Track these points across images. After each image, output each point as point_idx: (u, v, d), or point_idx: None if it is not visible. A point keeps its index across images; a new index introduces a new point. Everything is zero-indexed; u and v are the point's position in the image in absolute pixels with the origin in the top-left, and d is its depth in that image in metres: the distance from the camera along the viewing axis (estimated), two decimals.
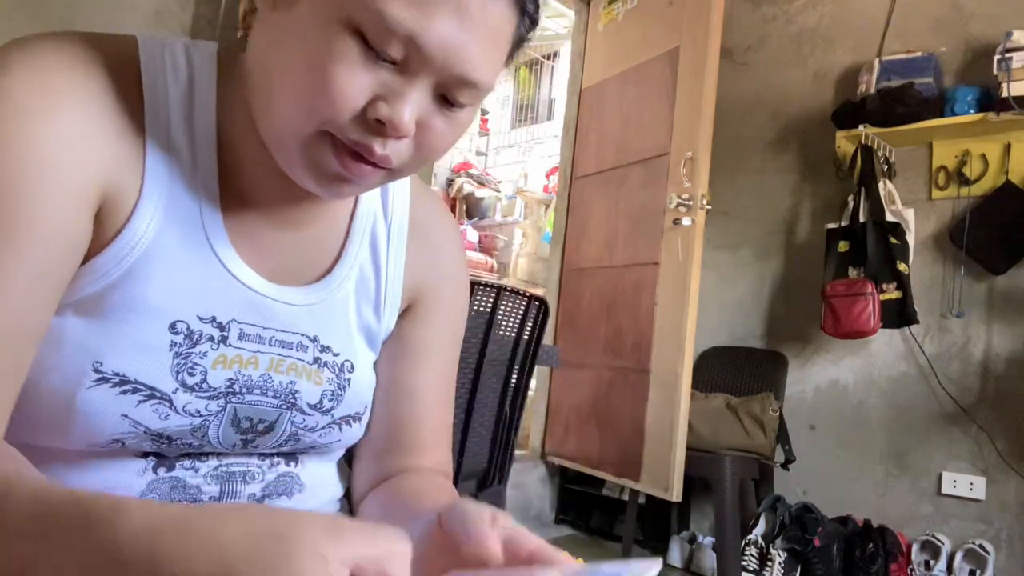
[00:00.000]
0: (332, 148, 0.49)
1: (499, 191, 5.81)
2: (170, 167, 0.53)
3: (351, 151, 0.49)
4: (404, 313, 0.68)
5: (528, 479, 3.15)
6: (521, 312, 1.47)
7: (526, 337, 1.49)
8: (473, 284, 1.23)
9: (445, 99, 0.50)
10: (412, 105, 0.48)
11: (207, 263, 0.55)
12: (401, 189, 0.68)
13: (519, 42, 0.53)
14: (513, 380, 1.51)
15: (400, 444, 0.67)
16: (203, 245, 0.54)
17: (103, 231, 0.51)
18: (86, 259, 0.50)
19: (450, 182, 5.92)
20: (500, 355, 1.48)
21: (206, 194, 0.54)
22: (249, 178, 0.56)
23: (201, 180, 0.54)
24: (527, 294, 1.48)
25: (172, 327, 0.53)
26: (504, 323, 1.46)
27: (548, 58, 7.71)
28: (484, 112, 6.97)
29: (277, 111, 0.50)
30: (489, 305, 1.41)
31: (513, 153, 7.45)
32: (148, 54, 0.53)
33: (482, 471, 1.51)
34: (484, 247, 5.59)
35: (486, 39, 0.48)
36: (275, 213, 0.58)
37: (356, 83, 0.47)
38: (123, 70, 0.52)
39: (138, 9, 2.28)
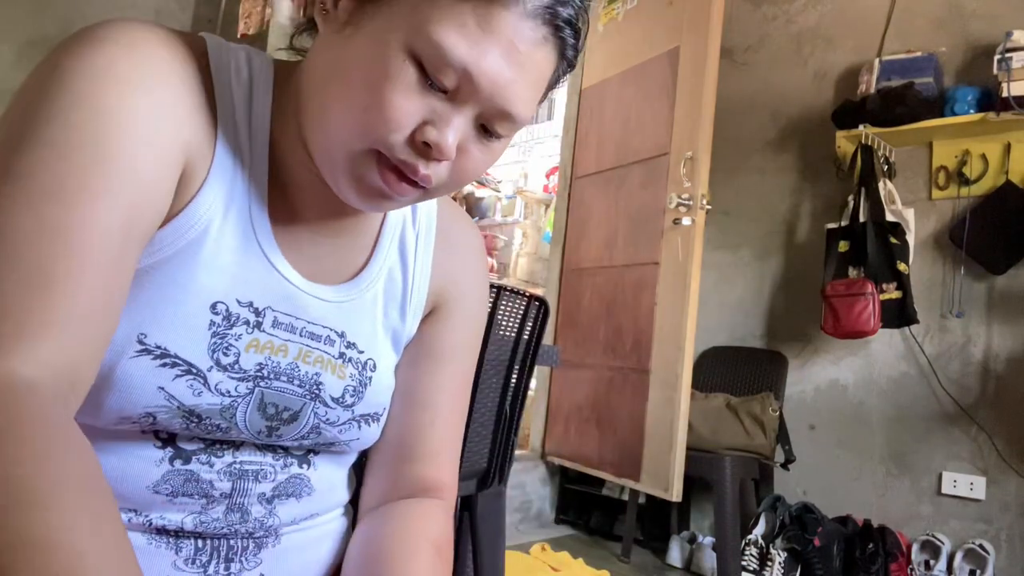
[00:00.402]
0: (377, 165, 0.53)
1: (499, 191, 5.81)
2: (234, 158, 0.57)
3: (395, 169, 0.53)
4: (426, 317, 0.71)
5: (528, 479, 3.15)
6: (521, 312, 1.47)
7: (526, 337, 1.49)
8: None
9: (484, 129, 0.55)
10: (456, 131, 0.52)
11: (251, 252, 0.58)
12: None
13: (554, 83, 0.58)
14: (513, 380, 1.51)
15: (412, 451, 0.69)
16: (250, 236, 0.58)
17: (179, 197, 0.54)
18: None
19: None
20: (500, 355, 1.48)
21: (257, 192, 0.58)
22: (294, 186, 0.60)
23: (255, 178, 0.58)
24: (527, 294, 1.48)
25: (213, 307, 0.55)
26: (504, 323, 1.46)
27: None
28: None
29: (331, 124, 0.53)
30: (489, 305, 1.41)
31: (513, 153, 7.45)
32: (216, 52, 0.57)
33: (482, 471, 1.50)
34: (481, 236, 5.56)
35: (529, 78, 0.53)
36: (315, 221, 0.62)
37: (410, 107, 0.51)
38: (198, 61, 0.55)
39: (138, 9, 2.28)
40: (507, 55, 0.51)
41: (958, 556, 2.45)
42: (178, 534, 0.58)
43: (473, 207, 5.69)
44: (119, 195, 0.48)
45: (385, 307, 0.67)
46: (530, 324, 1.49)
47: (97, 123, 0.47)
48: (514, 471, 2.92)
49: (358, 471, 0.74)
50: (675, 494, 2.52)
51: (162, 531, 0.57)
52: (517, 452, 2.79)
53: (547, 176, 5.73)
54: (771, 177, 3.18)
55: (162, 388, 0.53)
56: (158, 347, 0.52)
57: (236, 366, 0.57)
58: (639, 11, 3.11)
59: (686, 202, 2.63)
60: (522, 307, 1.47)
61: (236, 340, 0.57)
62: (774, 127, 3.21)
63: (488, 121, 0.54)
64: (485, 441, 1.49)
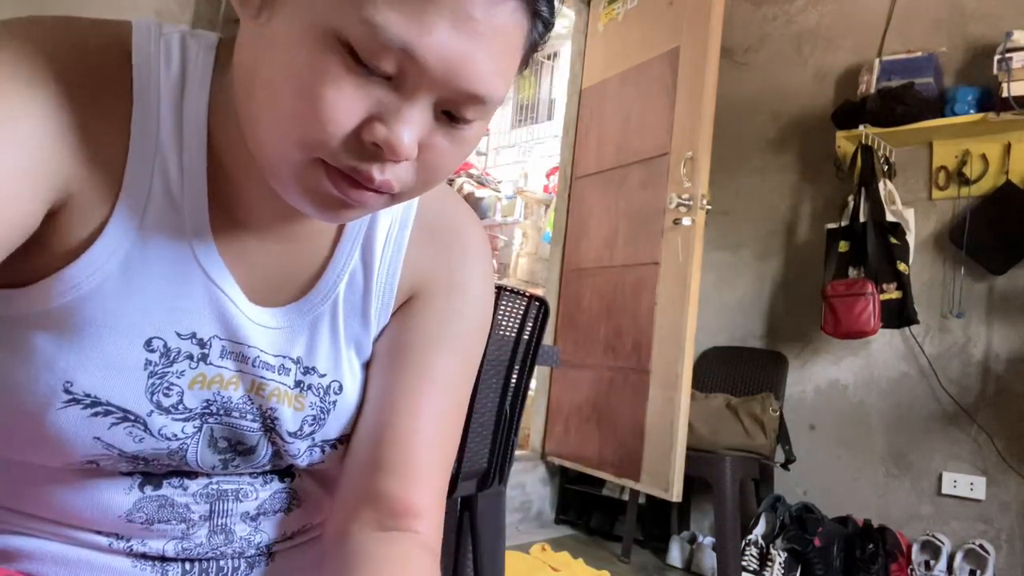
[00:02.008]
0: (327, 175, 0.45)
1: (499, 191, 5.81)
2: (154, 170, 0.49)
3: (348, 177, 0.45)
4: (401, 308, 0.61)
5: (528, 479, 3.15)
6: (521, 312, 1.47)
7: (526, 337, 1.49)
8: None
9: (449, 116, 0.45)
10: (412, 126, 0.43)
11: (191, 276, 0.51)
12: None
13: (532, 48, 0.47)
14: (513, 380, 1.51)
15: (378, 459, 0.57)
16: (187, 255, 0.50)
17: (72, 238, 0.47)
18: (55, 270, 0.47)
19: (450, 182, 5.93)
20: (500, 355, 1.48)
21: (193, 199, 0.50)
22: (238, 190, 0.52)
23: (188, 184, 0.50)
24: (527, 294, 1.48)
25: (148, 344, 0.49)
26: (504, 323, 1.46)
27: (548, 58, 7.71)
28: None
29: (264, 136, 0.45)
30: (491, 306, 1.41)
31: (513, 153, 7.45)
32: (141, 41, 0.49)
33: (482, 471, 1.50)
34: (480, 229, 5.55)
35: (492, 48, 0.42)
36: (265, 228, 0.54)
37: (346, 104, 0.42)
38: (112, 58, 0.48)
39: (138, 9, 2.28)
40: (457, 25, 0.40)
41: (958, 556, 2.44)
42: (163, 559, 0.55)
43: (473, 207, 5.69)
44: None
45: (346, 317, 0.58)
46: (530, 324, 1.49)
47: None
48: (514, 471, 2.92)
49: None
50: (675, 494, 2.52)
51: (146, 556, 0.54)
52: (517, 452, 2.79)
53: (547, 176, 5.73)
54: (771, 177, 3.18)
55: (98, 438, 0.48)
56: (87, 395, 0.47)
57: (180, 406, 0.51)
58: (639, 11, 3.11)
59: (686, 202, 2.63)
60: (522, 307, 1.47)
61: (178, 378, 0.51)
62: (774, 127, 3.21)
63: (452, 106, 0.44)
64: (485, 441, 1.49)
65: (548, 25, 0.46)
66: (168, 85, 0.49)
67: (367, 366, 0.61)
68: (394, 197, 0.48)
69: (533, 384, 2.59)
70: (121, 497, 0.52)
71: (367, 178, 0.44)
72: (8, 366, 0.47)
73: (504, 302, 1.44)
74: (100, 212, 0.47)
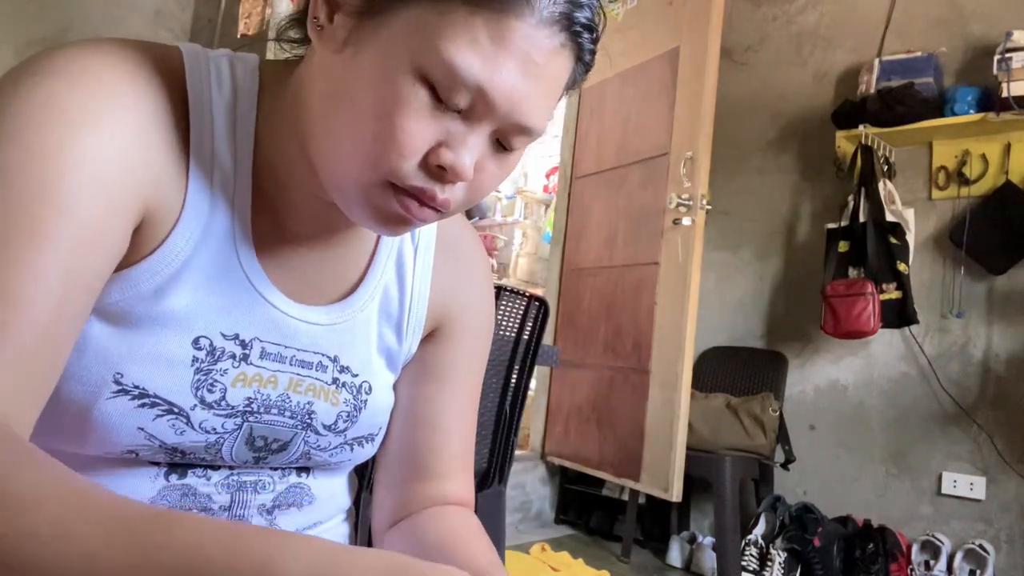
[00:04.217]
0: (394, 194, 0.50)
1: (499, 191, 5.80)
2: (212, 182, 0.53)
3: (414, 197, 0.50)
4: (429, 336, 0.68)
5: (528, 479, 3.15)
6: (521, 312, 1.47)
7: (526, 337, 1.49)
8: None
9: (499, 143, 0.51)
10: (473, 151, 0.49)
11: (235, 282, 0.55)
12: None
13: (571, 86, 0.54)
14: (513, 380, 1.51)
15: (421, 471, 0.67)
16: (233, 264, 0.54)
17: (143, 244, 0.51)
18: (120, 268, 0.50)
19: None
20: (500, 355, 1.48)
21: (240, 214, 0.54)
22: (284, 202, 0.56)
23: (238, 200, 0.54)
24: (527, 294, 1.48)
25: (196, 342, 0.53)
26: (504, 323, 1.46)
27: None
28: None
29: (341, 157, 0.50)
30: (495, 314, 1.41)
31: None
32: (193, 65, 0.53)
33: (482, 471, 1.50)
34: (484, 247, 5.56)
35: (545, 89, 0.49)
36: (306, 237, 0.58)
37: (424, 131, 0.47)
38: (168, 81, 0.51)
39: (138, 9, 2.28)
40: (523, 68, 0.47)
41: (958, 556, 2.44)
42: None
43: (473, 207, 5.69)
44: (59, 241, 0.44)
45: (380, 327, 0.64)
46: (530, 324, 1.49)
47: (35, 164, 0.44)
48: (514, 471, 2.92)
49: (358, 471, 0.73)
50: (675, 494, 2.52)
51: None
52: (517, 452, 2.79)
53: (547, 176, 5.73)
54: (771, 177, 3.18)
55: (142, 428, 0.51)
56: (136, 387, 0.50)
57: (223, 403, 0.54)
58: (639, 11, 3.11)
59: (686, 202, 2.63)
60: (522, 307, 1.47)
61: (222, 375, 0.54)
62: (774, 127, 3.21)
63: (504, 136, 0.51)
64: (485, 441, 1.49)
65: (588, 68, 0.54)
66: (221, 104, 0.53)
67: (395, 385, 0.68)
68: (445, 213, 0.53)
69: (533, 384, 2.59)
70: (147, 484, 0.54)
71: (431, 197, 0.50)
72: None
73: (504, 302, 1.44)
74: (168, 221, 0.51)
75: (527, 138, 0.52)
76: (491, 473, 1.51)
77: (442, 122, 0.48)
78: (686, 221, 2.63)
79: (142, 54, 0.50)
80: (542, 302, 1.50)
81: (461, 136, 0.48)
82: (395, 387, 0.67)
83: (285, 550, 0.35)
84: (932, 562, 2.46)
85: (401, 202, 0.50)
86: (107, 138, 0.46)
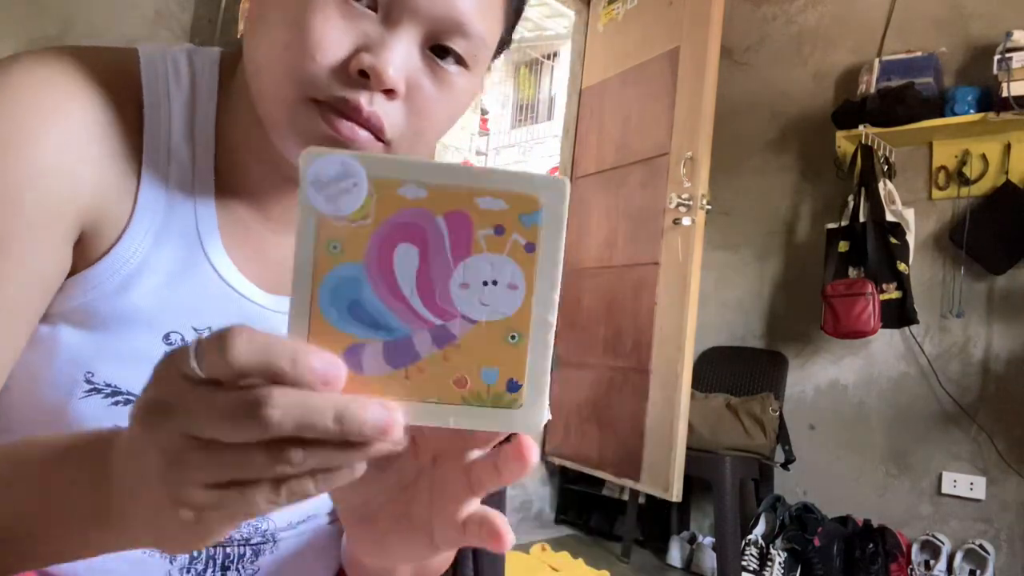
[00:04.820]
0: (319, 112, 0.46)
1: None
2: (168, 179, 0.52)
3: (338, 110, 0.46)
4: None
5: (528, 479, 3.15)
6: None
7: None
8: None
9: (435, 56, 0.47)
10: (397, 55, 0.45)
11: (203, 275, 0.53)
12: None
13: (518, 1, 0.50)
14: None
15: None
16: (199, 257, 0.53)
17: (94, 247, 0.50)
18: (77, 271, 0.50)
19: None
20: None
21: (202, 202, 0.53)
22: (247, 178, 0.55)
23: (198, 184, 0.53)
24: None
25: (166, 338, 0.52)
26: None
27: (548, 58, 7.71)
28: (484, 112, 6.97)
29: (264, 81, 0.48)
30: None
31: (513, 153, 7.45)
32: (149, 64, 0.52)
33: None
34: None
35: None
36: (274, 216, 0.57)
37: (333, 33, 0.45)
38: (122, 84, 0.51)
39: (138, 9, 2.28)
40: None
41: (958, 556, 2.45)
42: None
43: None
44: None
45: None
46: None
47: None
48: None
49: None
50: (675, 494, 2.52)
51: None
52: None
53: None
54: (771, 177, 3.18)
55: (117, 427, 0.51)
56: (108, 385, 0.50)
57: None
58: (639, 11, 3.11)
59: (686, 202, 2.63)
60: None
61: None
62: (774, 127, 3.21)
63: (437, 40, 0.47)
64: None
65: None
66: (179, 98, 0.53)
67: None
68: (388, 146, 0.49)
69: None
70: None
71: (355, 108, 0.45)
72: (32, 361, 0.49)
73: None
74: (117, 225, 0.50)
75: (465, 42, 0.47)
76: None
77: (358, 24, 0.45)
78: (686, 221, 2.63)
79: (91, 64, 0.49)
80: None
81: (380, 38, 0.45)
82: None
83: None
84: (932, 562, 2.46)
85: (326, 119, 0.46)
86: (38, 159, 0.45)
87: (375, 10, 0.45)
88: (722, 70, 2.75)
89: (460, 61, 0.48)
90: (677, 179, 2.70)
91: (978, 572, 2.40)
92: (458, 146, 6.17)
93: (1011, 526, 2.46)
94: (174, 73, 0.53)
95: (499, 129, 7.70)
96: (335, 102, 0.46)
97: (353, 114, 0.46)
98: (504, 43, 0.54)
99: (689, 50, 2.75)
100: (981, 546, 2.42)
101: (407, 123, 0.48)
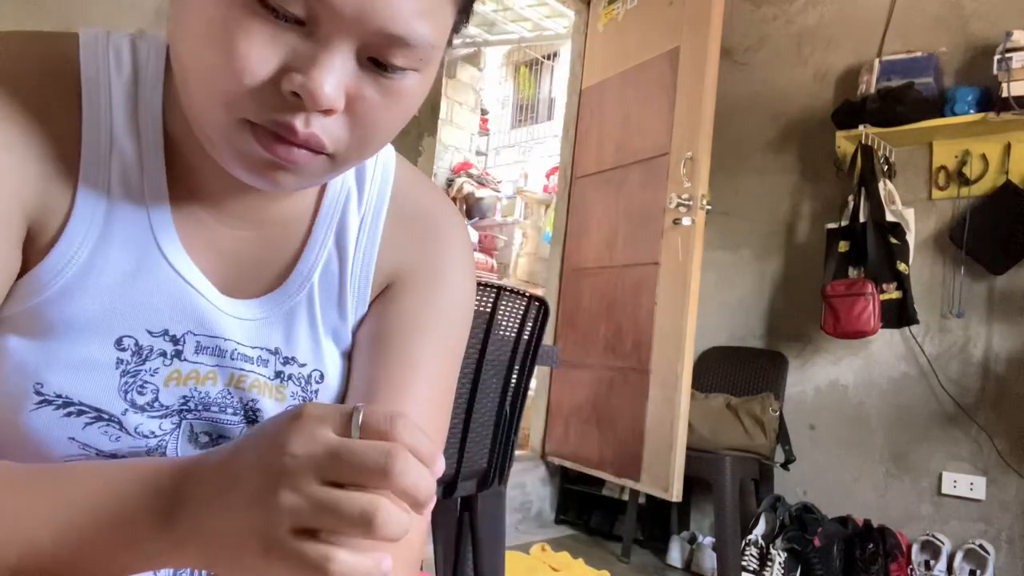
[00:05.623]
0: (253, 134, 0.43)
1: (499, 191, 5.81)
2: (111, 174, 0.49)
3: (273, 133, 0.42)
4: (379, 297, 0.60)
5: (528, 479, 3.15)
6: (521, 312, 1.47)
7: (526, 337, 1.49)
8: None
9: (377, 63, 0.42)
10: (331, 72, 0.40)
11: (158, 273, 0.50)
12: (384, 164, 0.61)
13: None
14: (513, 380, 1.51)
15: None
16: (153, 253, 0.50)
17: (33, 248, 0.47)
18: (20, 275, 0.48)
19: (450, 182, 5.93)
20: (500, 355, 1.48)
21: (154, 198, 0.50)
22: (199, 176, 0.51)
23: (148, 183, 0.50)
24: (527, 294, 1.48)
25: (118, 343, 0.49)
26: (504, 323, 1.46)
27: (548, 58, 7.71)
28: (484, 112, 6.97)
29: (193, 97, 0.44)
30: (489, 305, 1.41)
31: (513, 153, 7.46)
32: (89, 52, 0.49)
33: (482, 471, 1.50)
34: (484, 247, 5.60)
35: None
36: (230, 212, 0.53)
37: (258, 51, 0.40)
38: (60, 72, 0.48)
39: (138, 9, 2.28)
40: None
41: (958, 556, 2.45)
42: None
43: (473, 207, 5.69)
44: None
45: (322, 307, 0.57)
46: (530, 324, 1.49)
47: None
48: (514, 471, 2.92)
49: None
50: (675, 494, 2.52)
51: None
52: (517, 452, 2.79)
53: (547, 176, 5.74)
54: (771, 177, 3.18)
55: (73, 438, 0.48)
56: (58, 396, 0.47)
57: (155, 404, 0.50)
58: (639, 11, 3.11)
59: (686, 202, 2.63)
60: (522, 307, 1.47)
61: (151, 376, 0.50)
62: (774, 127, 3.21)
63: (376, 52, 0.42)
64: (485, 441, 1.49)
65: None
66: (120, 87, 0.49)
67: (348, 356, 0.60)
68: (334, 160, 0.45)
69: (533, 384, 2.59)
70: None
71: (289, 130, 0.42)
72: None
73: (504, 302, 1.44)
74: (59, 218, 0.47)
75: (406, 51, 0.42)
76: (491, 473, 1.51)
77: (284, 40, 0.40)
78: (686, 221, 2.63)
79: (25, 52, 0.47)
80: (542, 302, 1.50)
81: (310, 55, 0.40)
82: (350, 357, 0.61)
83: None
84: (932, 562, 2.46)
85: (261, 142, 0.43)
86: None
87: (303, 24, 0.40)
88: (722, 70, 2.75)
89: (407, 67, 0.43)
90: (677, 179, 2.70)
91: (978, 572, 2.40)
92: (458, 146, 6.17)
93: (1011, 526, 2.46)
94: (116, 61, 0.49)
95: (499, 129, 7.70)
96: (269, 124, 0.42)
97: (289, 136, 0.42)
98: (460, 23, 0.48)
99: (689, 50, 2.75)
100: (981, 546, 2.42)
101: (351, 135, 0.44)
